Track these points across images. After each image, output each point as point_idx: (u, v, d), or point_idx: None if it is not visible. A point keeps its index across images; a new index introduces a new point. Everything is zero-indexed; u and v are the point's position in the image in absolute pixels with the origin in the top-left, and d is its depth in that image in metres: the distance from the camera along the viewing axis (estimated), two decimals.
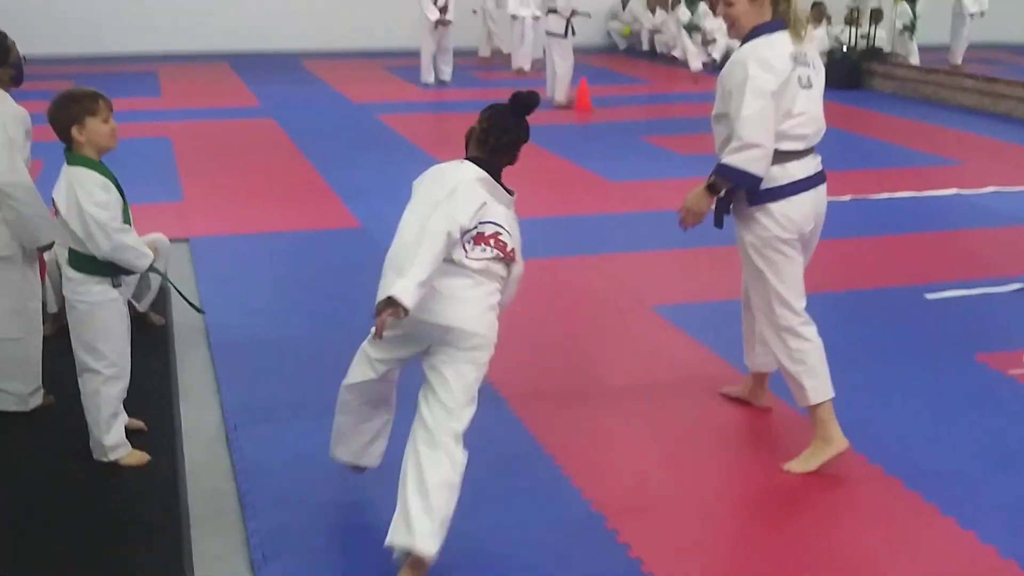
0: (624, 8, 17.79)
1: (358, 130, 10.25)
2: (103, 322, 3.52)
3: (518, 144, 3.17)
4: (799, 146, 3.57)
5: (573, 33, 11.74)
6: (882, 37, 14.13)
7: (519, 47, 14.67)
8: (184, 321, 4.94)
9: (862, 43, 13.91)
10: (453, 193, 2.98)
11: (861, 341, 4.79)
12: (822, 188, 3.67)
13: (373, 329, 3.00)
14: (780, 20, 3.57)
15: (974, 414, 4.03)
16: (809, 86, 3.56)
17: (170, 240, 4.98)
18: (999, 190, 7.80)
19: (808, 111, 3.56)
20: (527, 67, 14.62)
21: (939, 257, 6.28)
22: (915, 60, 13.99)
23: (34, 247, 3.89)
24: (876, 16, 13.90)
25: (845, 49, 13.85)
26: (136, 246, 3.51)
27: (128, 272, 3.56)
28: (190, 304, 4.06)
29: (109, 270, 3.50)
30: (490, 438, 3.57)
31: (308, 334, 4.86)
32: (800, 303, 3.65)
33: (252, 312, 5.17)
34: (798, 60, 3.54)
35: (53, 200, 3.50)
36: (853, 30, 13.77)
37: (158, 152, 8.82)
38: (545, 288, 5.40)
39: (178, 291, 4.07)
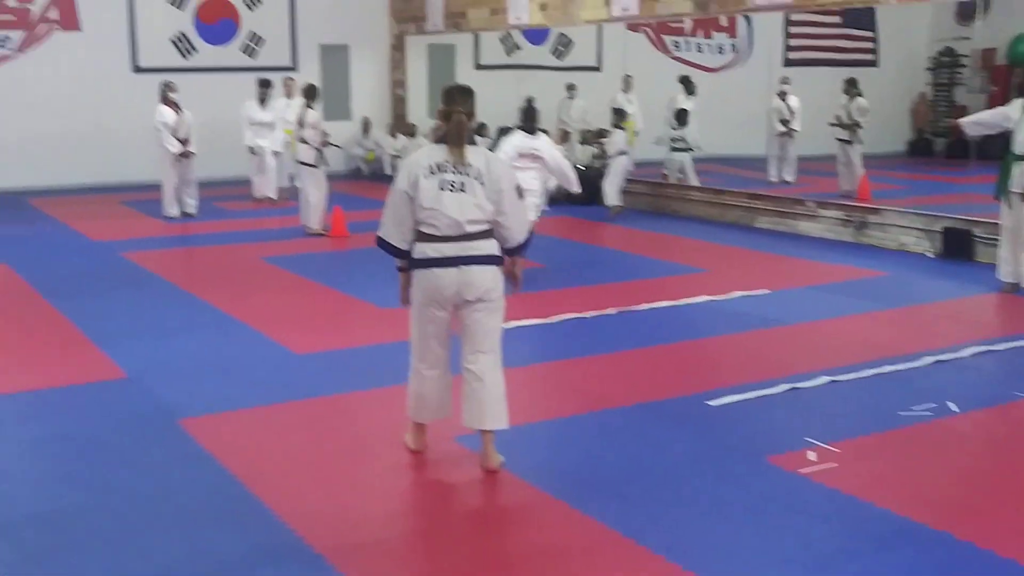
0: (365, 134, 18.09)
1: (103, 270, 9.70)
2: None
3: None
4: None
5: (327, 163, 11.76)
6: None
7: (261, 176, 14.56)
8: None
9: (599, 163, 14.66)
10: None
11: (657, 454, 4.91)
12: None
13: None
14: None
15: (780, 517, 4.19)
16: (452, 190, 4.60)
17: None
18: (745, 294, 8.34)
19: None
20: (273, 195, 14.48)
21: (710, 363, 6.61)
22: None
23: None
24: (601, 135, 14.72)
25: (583, 168, 14.54)
26: None
27: None
28: None
29: None
30: None
31: (85, 503, 4.44)
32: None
33: (14, 485, 4.69)
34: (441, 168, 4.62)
35: None
36: (591, 149, 14.51)
37: None
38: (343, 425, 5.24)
39: None
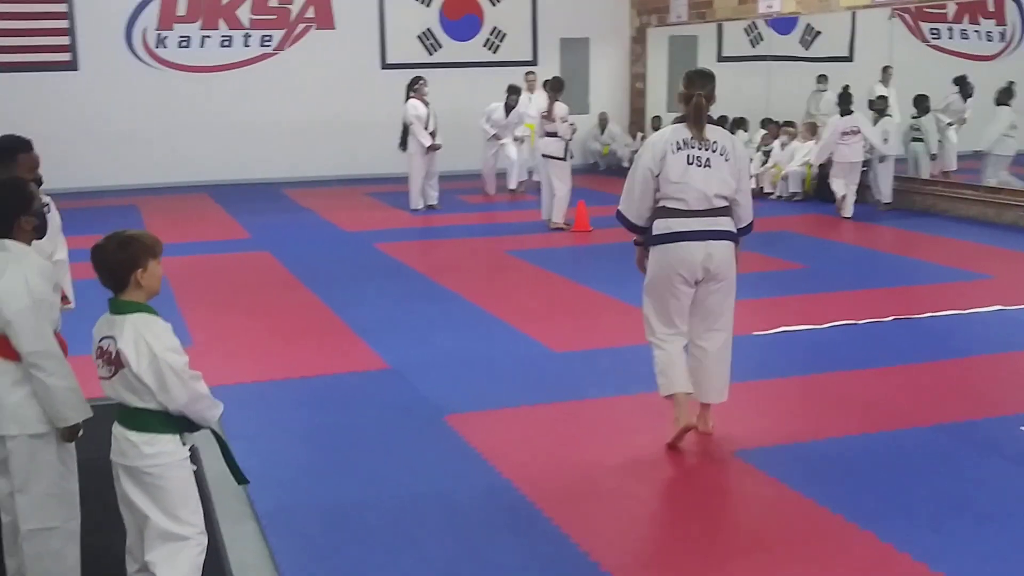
0: (603, 131, 17.87)
1: (358, 260, 9.85)
2: (180, 484, 3.11)
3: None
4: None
5: (572, 156, 11.57)
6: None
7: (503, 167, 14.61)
8: (219, 486, 4.41)
9: None
10: None
11: (972, 487, 4.37)
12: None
13: None
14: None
15: None
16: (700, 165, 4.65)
17: None
18: None
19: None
20: (514, 187, 14.50)
21: (1015, 382, 5.94)
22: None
23: (63, 426, 3.36)
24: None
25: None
26: (208, 395, 3.13)
27: (196, 427, 3.14)
28: (235, 473, 3.44)
29: (179, 425, 3.11)
30: None
31: (361, 498, 4.34)
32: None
33: (294, 473, 4.66)
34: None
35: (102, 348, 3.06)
36: None
37: None
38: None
39: (229, 455, 3.47)
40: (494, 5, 17.56)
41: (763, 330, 6.91)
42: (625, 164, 17.28)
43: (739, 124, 15.28)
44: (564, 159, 11.51)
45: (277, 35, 16.46)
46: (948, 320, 7.23)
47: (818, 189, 13.58)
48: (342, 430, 5.19)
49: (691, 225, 4.67)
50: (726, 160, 4.66)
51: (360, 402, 5.63)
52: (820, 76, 16.02)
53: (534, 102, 14.65)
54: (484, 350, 6.60)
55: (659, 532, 4.14)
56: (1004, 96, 12.73)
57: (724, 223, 4.72)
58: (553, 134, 11.52)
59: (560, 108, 11.52)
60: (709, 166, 4.64)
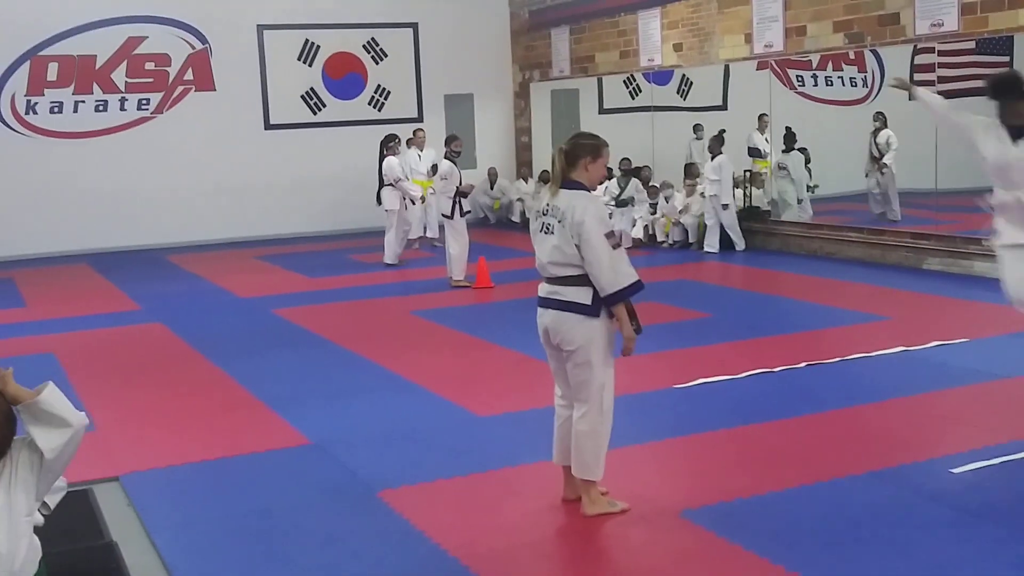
0: (492, 186, 17.92)
1: (258, 328, 9.57)
2: None
3: None
4: None
5: (462, 213, 11.50)
6: (759, 196, 14.42)
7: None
8: None
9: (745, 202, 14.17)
10: None
11: (921, 534, 4.40)
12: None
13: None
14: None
15: None
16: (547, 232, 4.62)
17: (96, 481, 4.30)
18: (942, 343, 7.73)
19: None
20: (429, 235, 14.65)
21: (935, 423, 6.05)
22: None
23: None
24: (754, 179, 14.24)
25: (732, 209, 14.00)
26: None
27: None
28: None
29: None
30: None
31: None
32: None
33: (228, 567, 4.40)
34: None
35: None
36: (740, 191, 14.01)
37: (44, 373, 7.86)
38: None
39: None
40: (377, 64, 17.54)
41: (682, 383, 6.93)
42: (515, 219, 17.35)
43: (635, 173, 15.43)
44: (451, 217, 11.45)
45: (155, 98, 16.09)
46: (857, 364, 7.36)
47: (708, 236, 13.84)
48: (273, 514, 4.94)
49: (540, 291, 4.71)
50: (561, 225, 4.54)
51: (287, 482, 5.39)
52: (696, 125, 16.46)
53: (424, 159, 14.64)
54: (407, 419, 6.43)
55: None
56: (715, 145, 13.42)
57: (566, 293, 4.57)
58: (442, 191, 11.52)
59: (442, 166, 11.52)
60: (551, 232, 4.59)
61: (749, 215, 13.94)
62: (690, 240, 13.92)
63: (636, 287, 4.56)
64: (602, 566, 4.34)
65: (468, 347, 8.51)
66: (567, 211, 4.54)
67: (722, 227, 13.41)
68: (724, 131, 14.07)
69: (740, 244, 13.47)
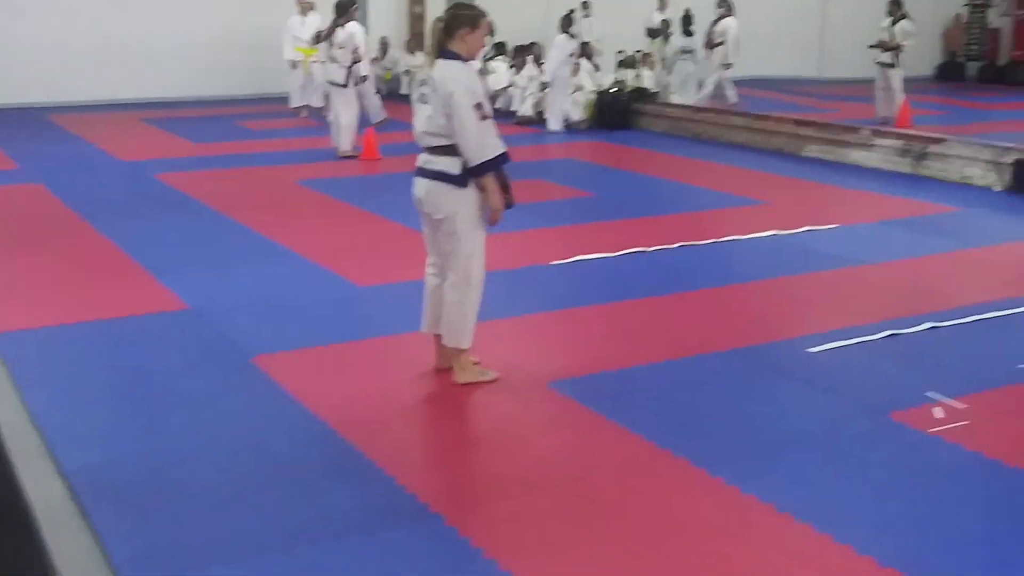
0: (384, 56, 17.61)
1: (141, 193, 9.39)
2: None
3: None
4: None
5: (358, 82, 11.34)
6: (649, 77, 14.52)
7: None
8: (18, 441, 4.15)
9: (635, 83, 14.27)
10: None
11: (772, 409, 4.67)
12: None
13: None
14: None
15: (926, 483, 3.91)
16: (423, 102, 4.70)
17: None
18: (813, 228, 8.03)
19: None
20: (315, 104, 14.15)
21: (798, 305, 6.33)
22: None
23: None
24: (645, 59, 14.31)
25: (614, 91, 14.13)
26: None
27: None
28: None
29: None
30: None
31: (177, 450, 4.18)
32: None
33: (101, 426, 4.44)
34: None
35: None
36: (629, 72, 14.09)
37: None
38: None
39: None
40: None
41: (560, 259, 7.08)
42: (404, 91, 17.14)
43: (499, 51, 15.53)
44: (345, 85, 11.27)
45: None
46: (730, 245, 7.62)
47: (600, 117, 13.94)
48: (146, 377, 4.98)
49: (418, 160, 4.81)
50: (435, 94, 4.61)
51: (162, 346, 5.41)
52: (584, 2, 16.44)
53: (307, 25, 14.27)
54: (287, 287, 6.47)
55: (476, 462, 4.19)
56: (565, 24, 13.54)
57: (437, 163, 4.68)
58: (335, 59, 11.27)
59: (341, 33, 11.24)
60: (426, 102, 4.68)
61: (638, 96, 14.05)
62: (579, 119, 14.02)
63: (502, 159, 4.65)
64: (468, 431, 4.52)
65: (353, 218, 8.52)
66: (440, 81, 4.59)
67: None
68: (573, 10, 14.13)
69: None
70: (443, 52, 4.71)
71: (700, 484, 3.90)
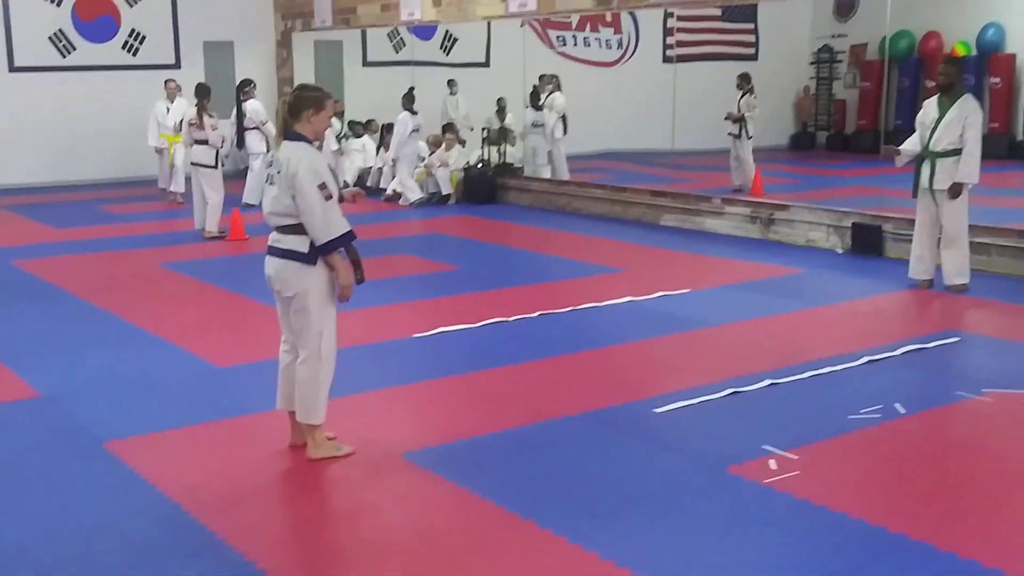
0: None
1: None
2: None
3: None
4: None
5: (223, 163, 11.39)
6: (514, 154, 14.89)
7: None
8: None
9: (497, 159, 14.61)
10: None
11: (617, 467, 4.83)
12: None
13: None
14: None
15: (756, 532, 4.11)
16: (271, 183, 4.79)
17: None
18: (666, 294, 8.34)
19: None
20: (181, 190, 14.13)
21: (648, 368, 6.56)
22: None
23: None
24: (506, 135, 14.68)
25: (480, 166, 14.46)
26: None
27: None
28: None
29: None
30: None
31: (28, 536, 4.12)
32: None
33: None
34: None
35: None
36: (491, 149, 14.43)
37: None
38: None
39: None
40: (131, 6, 16.87)
41: (422, 332, 7.20)
42: None
43: (367, 127, 15.96)
44: (216, 167, 11.33)
45: None
46: (588, 312, 7.86)
47: (466, 191, 14.23)
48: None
49: (269, 240, 4.90)
50: (281, 176, 4.71)
51: (11, 434, 5.32)
52: (450, 81, 16.85)
53: (172, 112, 14.28)
54: (143, 370, 6.43)
55: (326, 536, 4.22)
56: (407, 101, 14.14)
57: (285, 241, 4.78)
58: (203, 142, 11.30)
59: (210, 117, 11.31)
60: (272, 183, 4.78)
61: (503, 171, 14.40)
62: (443, 192, 14.27)
63: (348, 237, 4.77)
64: (321, 506, 4.56)
65: (215, 298, 8.51)
66: (285, 162, 4.70)
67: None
68: (413, 88, 14.59)
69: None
70: (288, 134, 4.82)
71: (545, 544, 4.02)
